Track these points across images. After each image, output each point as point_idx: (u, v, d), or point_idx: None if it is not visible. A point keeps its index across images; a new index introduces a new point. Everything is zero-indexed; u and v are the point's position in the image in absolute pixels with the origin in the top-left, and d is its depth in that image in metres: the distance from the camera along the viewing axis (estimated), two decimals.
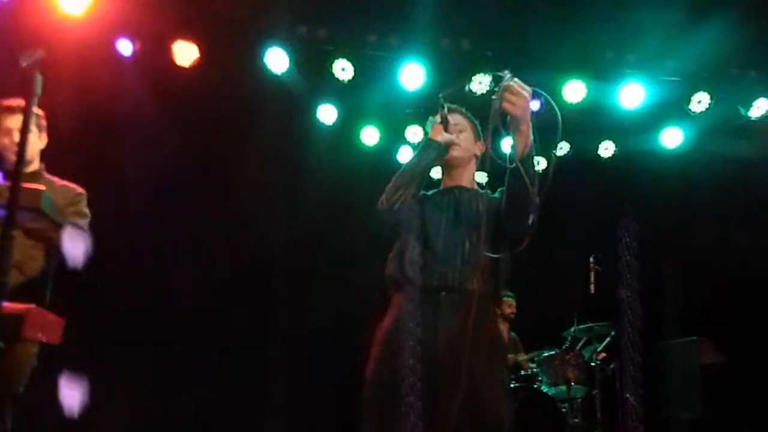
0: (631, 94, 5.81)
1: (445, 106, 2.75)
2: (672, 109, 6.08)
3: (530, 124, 2.41)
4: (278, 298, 6.08)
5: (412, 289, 2.49)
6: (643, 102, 5.85)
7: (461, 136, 2.74)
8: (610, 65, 5.74)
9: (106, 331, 5.03)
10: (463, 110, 2.86)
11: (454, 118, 2.76)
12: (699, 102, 5.84)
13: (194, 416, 5.45)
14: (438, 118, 2.68)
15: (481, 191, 2.76)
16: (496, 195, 2.72)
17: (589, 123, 6.15)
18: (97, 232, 3.20)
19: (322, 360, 6.08)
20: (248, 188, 5.87)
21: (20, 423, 2.92)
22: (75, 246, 2.34)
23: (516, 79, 2.36)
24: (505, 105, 2.33)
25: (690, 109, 5.90)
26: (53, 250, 3.07)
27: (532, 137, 2.44)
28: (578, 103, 5.81)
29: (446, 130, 2.66)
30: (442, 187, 2.79)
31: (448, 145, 2.67)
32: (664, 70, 5.77)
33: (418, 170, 2.63)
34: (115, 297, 5.22)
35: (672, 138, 6.36)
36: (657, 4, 5.10)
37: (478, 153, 2.82)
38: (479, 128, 2.83)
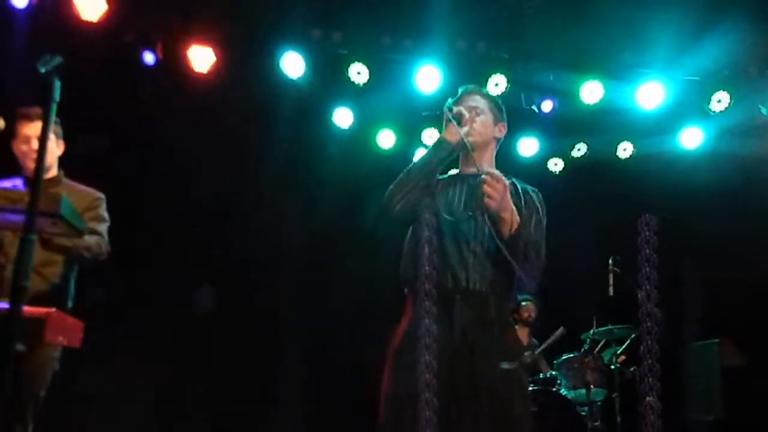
0: (650, 94, 5.75)
1: (462, 93, 2.68)
2: (691, 108, 6.02)
3: (513, 209, 2.36)
4: (292, 300, 6.08)
5: (424, 292, 2.41)
6: (662, 102, 5.79)
7: (479, 119, 2.60)
8: (628, 65, 5.70)
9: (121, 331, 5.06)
10: (484, 90, 2.78)
11: (474, 100, 2.65)
12: (719, 101, 5.77)
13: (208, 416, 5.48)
14: (451, 114, 2.54)
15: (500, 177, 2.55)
16: (527, 188, 2.65)
17: (607, 124, 6.11)
18: (119, 233, 3.24)
19: (333, 365, 6.08)
20: (264, 192, 5.89)
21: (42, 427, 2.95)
22: None
23: (489, 171, 2.35)
24: (487, 201, 2.30)
25: (710, 109, 5.83)
26: (72, 256, 3.10)
27: (516, 216, 2.39)
28: (595, 104, 5.77)
29: (461, 124, 2.51)
30: (457, 171, 2.66)
31: (462, 140, 2.51)
32: (682, 70, 5.71)
33: (427, 170, 2.52)
34: (134, 296, 5.26)
35: (692, 138, 6.28)
36: (675, 2, 5.06)
37: (499, 136, 2.71)
38: (502, 109, 2.74)
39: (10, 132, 2.97)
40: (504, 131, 2.72)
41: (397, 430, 2.30)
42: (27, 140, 3.07)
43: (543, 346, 5.78)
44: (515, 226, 2.36)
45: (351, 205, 6.21)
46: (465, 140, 2.50)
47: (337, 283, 6.17)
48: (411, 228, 2.58)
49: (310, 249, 6.18)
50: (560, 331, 5.50)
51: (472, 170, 2.55)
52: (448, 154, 2.55)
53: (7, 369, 1.66)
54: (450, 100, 2.68)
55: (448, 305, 2.36)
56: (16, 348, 1.68)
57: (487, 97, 2.73)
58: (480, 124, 2.60)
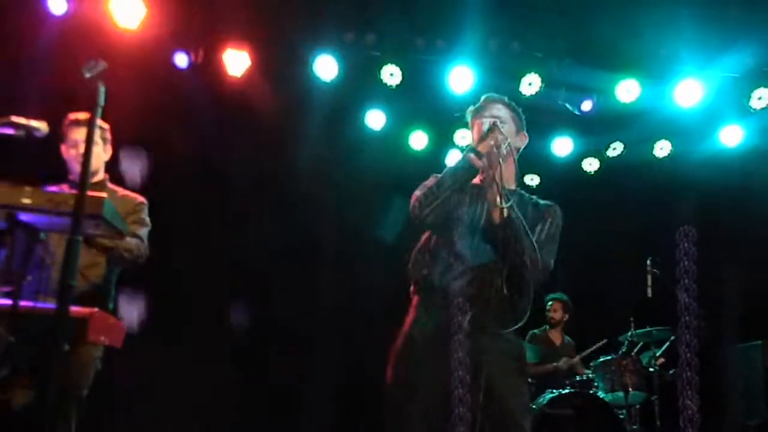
0: (688, 92, 5.66)
1: (484, 101, 2.69)
2: (731, 106, 5.90)
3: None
4: (325, 298, 6.10)
5: (434, 294, 2.50)
6: (701, 100, 5.68)
7: (503, 128, 2.59)
8: (665, 63, 5.61)
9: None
10: (506, 99, 2.76)
11: (497, 109, 2.67)
12: (759, 98, 5.65)
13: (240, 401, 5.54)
14: (485, 126, 2.56)
15: (519, 193, 2.69)
16: (539, 204, 2.69)
17: (644, 122, 6.01)
18: (160, 233, 3.30)
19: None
20: (298, 194, 5.93)
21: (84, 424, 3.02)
22: (131, 310, 2.41)
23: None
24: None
25: (750, 106, 5.71)
26: (114, 257, 3.17)
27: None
28: (632, 103, 5.69)
29: (487, 138, 2.51)
30: (478, 180, 2.64)
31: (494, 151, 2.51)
32: (721, 67, 5.60)
33: (458, 182, 2.52)
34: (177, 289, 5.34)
35: (732, 136, 6.15)
36: None
37: (520, 145, 2.72)
38: (522, 118, 2.75)
39: (56, 137, 3.04)
40: (525, 140, 2.74)
41: (397, 424, 2.38)
42: (75, 145, 3.15)
43: (582, 355, 5.72)
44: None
45: (384, 207, 6.22)
46: (496, 151, 2.50)
47: (369, 283, 6.18)
48: (428, 232, 2.63)
49: (344, 250, 6.20)
50: (602, 342, 5.46)
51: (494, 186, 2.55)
52: (476, 170, 2.55)
53: (54, 367, 1.71)
54: (471, 108, 2.74)
55: (454, 310, 2.41)
56: (64, 345, 1.72)
57: (510, 106, 2.74)
58: (505, 133, 2.58)
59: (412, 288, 2.66)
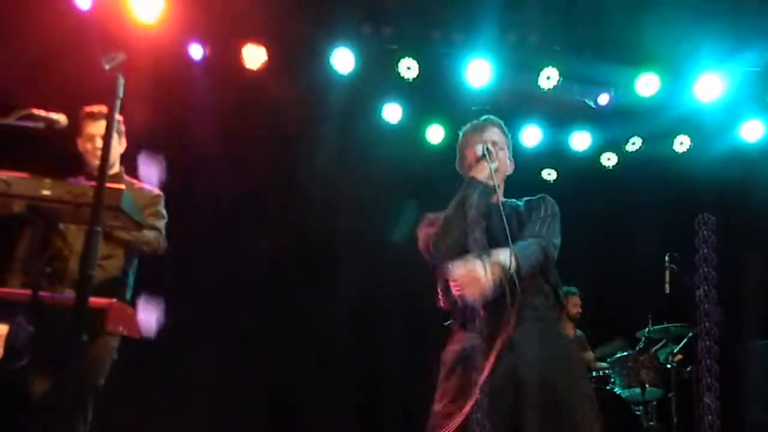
0: (708, 86, 5.59)
1: (483, 124, 2.74)
2: (752, 101, 5.82)
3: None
4: (343, 291, 6.11)
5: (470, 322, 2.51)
6: (721, 94, 5.61)
7: (500, 155, 2.66)
8: (685, 57, 5.54)
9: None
10: (502, 124, 2.78)
11: (495, 134, 2.71)
12: None
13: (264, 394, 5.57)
14: (479, 151, 2.59)
15: (510, 203, 2.71)
16: (529, 200, 2.71)
17: (663, 117, 5.95)
18: (176, 225, 3.32)
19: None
20: (314, 187, 5.94)
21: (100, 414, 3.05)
22: (149, 316, 2.42)
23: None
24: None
25: None
26: (132, 249, 3.20)
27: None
28: (651, 97, 5.63)
29: (489, 160, 2.55)
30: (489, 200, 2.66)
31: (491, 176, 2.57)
32: (742, 61, 5.52)
33: (462, 212, 2.54)
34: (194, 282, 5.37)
35: (753, 131, 6.07)
36: None
37: (510, 172, 2.77)
38: (510, 142, 2.79)
39: (74, 130, 3.06)
40: (512, 167, 2.78)
41: None
42: (91, 138, 3.18)
43: (599, 354, 5.69)
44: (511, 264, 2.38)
45: (401, 201, 6.21)
46: (493, 176, 2.57)
47: (384, 274, 6.18)
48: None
49: (360, 244, 6.20)
50: (620, 341, 5.43)
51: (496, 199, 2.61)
52: (481, 192, 2.56)
53: (75, 357, 1.72)
54: (467, 128, 2.81)
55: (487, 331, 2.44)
56: (83, 336, 1.74)
57: (504, 130, 2.77)
58: (501, 160, 2.66)
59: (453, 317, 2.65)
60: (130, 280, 3.26)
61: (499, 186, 2.63)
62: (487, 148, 2.57)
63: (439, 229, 2.57)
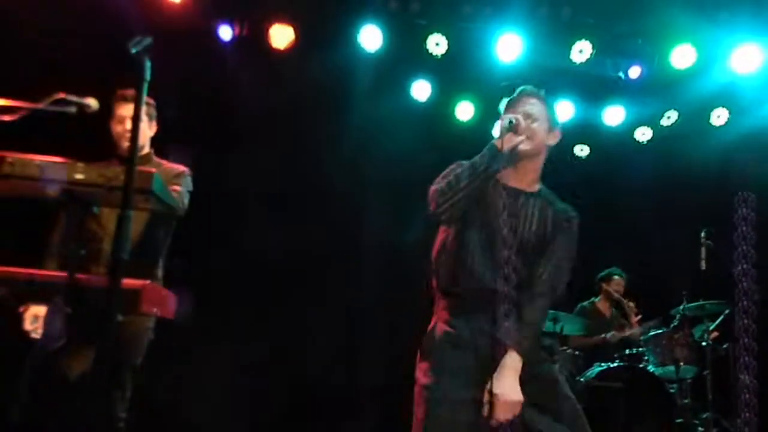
0: (746, 58, 5.43)
1: (520, 94, 2.61)
2: None
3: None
4: (372, 282, 6.12)
5: (459, 297, 2.49)
6: (760, 65, 5.44)
7: (533, 126, 2.53)
8: (722, 27, 5.37)
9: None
10: (542, 93, 2.64)
11: (531, 104, 2.57)
12: None
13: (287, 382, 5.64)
14: (507, 122, 2.46)
15: (542, 199, 2.58)
16: (558, 211, 2.57)
17: (700, 90, 5.80)
18: (201, 207, 3.35)
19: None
20: (342, 166, 5.93)
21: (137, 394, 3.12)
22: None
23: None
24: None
25: None
26: (163, 228, 3.24)
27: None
28: (687, 69, 5.49)
29: (517, 132, 2.46)
30: (503, 182, 2.57)
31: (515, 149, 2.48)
32: None
33: (476, 178, 2.43)
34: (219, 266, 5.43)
35: None
36: None
37: (552, 143, 2.62)
38: (556, 115, 2.64)
39: (106, 113, 3.09)
40: (558, 138, 2.63)
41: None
42: (122, 120, 3.22)
43: (634, 331, 5.62)
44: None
45: (430, 180, 6.17)
46: (517, 150, 2.48)
47: (412, 255, 6.16)
48: (450, 229, 2.55)
49: (387, 220, 6.19)
50: (656, 321, 5.36)
51: (516, 186, 2.57)
52: (499, 162, 2.46)
53: (109, 338, 1.75)
54: (505, 101, 2.66)
55: (479, 313, 2.44)
56: (116, 318, 1.77)
57: (544, 100, 2.62)
58: (535, 131, 2.53)
59: (435, 290, 2.60)
60: (162, 259, 3.30)
61: (524, 159, 2.55)
62: (511, 121, 2.46)
63: (445, 185, 2.47)
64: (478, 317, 2.43)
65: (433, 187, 2.52)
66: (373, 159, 6.10)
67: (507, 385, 2.31)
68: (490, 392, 2.29)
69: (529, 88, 2.64)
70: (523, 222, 2.52)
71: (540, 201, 2.57)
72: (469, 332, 2.43)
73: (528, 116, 2.53)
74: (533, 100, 2.59)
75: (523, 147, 2.50)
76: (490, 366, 2.35)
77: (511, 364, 2.34)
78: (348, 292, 5.96)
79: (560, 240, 2.53)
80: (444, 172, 2.53)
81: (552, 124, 2.60)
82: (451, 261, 2.51)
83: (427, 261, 2.67)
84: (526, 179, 2.59)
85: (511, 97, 2.66)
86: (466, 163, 2.48)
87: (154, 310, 2.23)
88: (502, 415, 2.29)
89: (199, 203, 3.36)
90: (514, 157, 2.52)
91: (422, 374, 2.47)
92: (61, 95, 2.23)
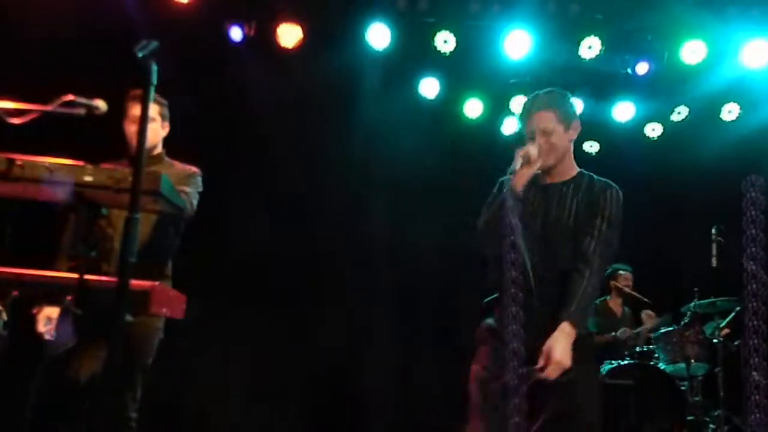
0: (757, 52, 5.38)
1: (529, 110, 2.68)
2: None
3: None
4: (377, 273, 6.13)
5: (508, 296, 2.55)
6: None
7: (552, 140, 2.62)
8: (733, 22, 5.33)
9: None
10: (550, 100, 2.68)
11: (543, 119, 2.62)
12: None
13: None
14: (516, 165, 2.56)
15: (575, 184, 2.68)
16: (594, 186, 2.67)
17: (711, 85, 5.75)
18: (211, 206, 3.35)
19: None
20: (352, 164, 5.94)
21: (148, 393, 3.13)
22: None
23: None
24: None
25: None
26: (172, 228, 3.25)
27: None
28: (698, 64, 5.45)
29: (531, 162, 2.56)
30: (539, 182, 2.70)
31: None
32: None
33: (501, 222, 2.57)
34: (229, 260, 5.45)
35: None
36: None
37: (574, 137, 2.71)
38: (572, 110, 2.71)
39: (116, 114, 3.10)
40: (578, 128, 2.71)
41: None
42: (135, 120, 3.20)
43: (642, 329, 5.60)
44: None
45: (439, 177, 6.17)
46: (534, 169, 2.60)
47: (422, 251, 6.18)
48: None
49: (396, 219, 6.19)
50: (665, 318, 5.34)
51: (549, 181, 2.71)
52: (520, 198, 2.58)
53: (118, 339, 1.76)
54: (520, 108, 2.77)
55: (524, 310, 2.51)
56: (125, 319, 1.78)
57: (556, 105, 2.67)
58: (554, 141, 2.63)
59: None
60: (170, 259, 3.30)
61: (554, 166, 2.68)
62: (526, 155, 2.56)
63: (483, 226, 2.68)
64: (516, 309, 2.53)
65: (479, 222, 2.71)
66: (382, 156, 6.10)
67: (560, 349, 2.40)
68: (544, 352, 2.41)
69: (539, 100, 2.68)
70: (555, 211, 2.63)
71: (572, 186, 2.67)
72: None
73: (543, 133, 2.61)
74: (544, 114, 2.63)
75: (546, 163, 2.62)
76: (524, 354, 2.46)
77: (566, 332, 2.43)
78: (355, 291, 5.98)
79: (601, 215, 2.60)
80: (487, 203, 2.73)
81: (569, 122, 2.67)
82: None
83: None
84: (558, 174, 2.70)
85: (523, 110, 2.72)
86: (489, 209, 2.69)
87: (164, 310, 2.24)
88: (553, 373, 2.40)
89: (207, 202, 3.37)
90: (544, 172, 2.67)
91: (473, 360, 2.72)
92: (70, 97, 2.24)
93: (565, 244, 2.59)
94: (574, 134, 2.69)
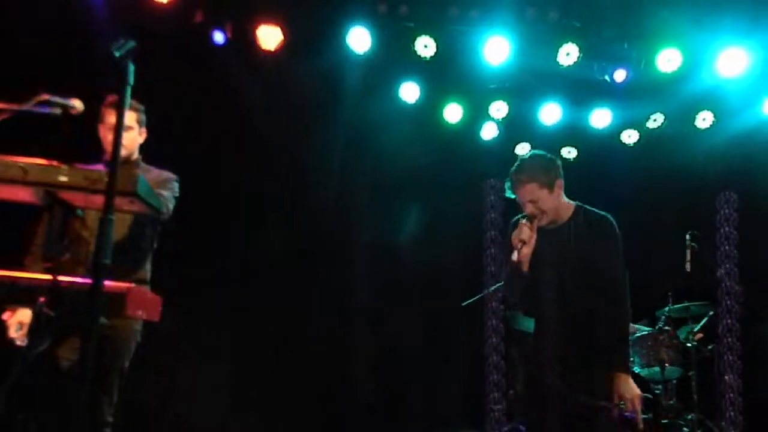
0: (731, 61, 5.47)
1: (512, 185, 3.00)
2: None
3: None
4: (359, 278, 6.13)
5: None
6: (745, 69, 5.48)
7: (539, 205, 2.94)
8: (708, 31, 5.41)
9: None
10: (529, 171, 2.95)
11: (527, 191, 2.92)
12: None
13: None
14: (513, 257, 2.89)
15: (575, 222, 3.04)
16: (593, 221, 3.04)
17: (686, 93, 5.84)
18: (192, 209, 3.33)
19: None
20: (331, 167, 5.94)
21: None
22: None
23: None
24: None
25: None
26: (149, 230, 3.22)
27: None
28: (673, 72, 5.53)
29: (528, 241, 2.90)
30: (543, 228, 3.01)
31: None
32: (766, 35, 5.39)
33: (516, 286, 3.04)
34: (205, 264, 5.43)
35: None
36: None
37: (560, 192, 3.02)
38: (552, 168, 2.98)
39: (94, 116, 3.07)
40: (562, 185, 3.02)
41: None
42: (112, 128, 3.15)
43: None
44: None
45: (418, 181, 6.19)
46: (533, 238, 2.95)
47: (400, 253, 6.20)
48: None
49: (376, 225, 6.21)
50: (641, 322, 5.40)
51: (552, 225, 3.04)
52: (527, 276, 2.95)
53: (91, 341, 1.75)
54: (508, 186, 3.05)
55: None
56: (99, 321, 1.76)
57: (536, 175, 2.95)
58: (541, 209, 2.96)
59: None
60: (149, 261, 3.28)
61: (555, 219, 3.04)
62: (521, 241, 2.90)
63: (506, 291, 3.25)
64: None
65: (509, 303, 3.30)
66: (362, 159, 6.11)
67: (629, 389, 2.83)
68: (622, 398, 2.84)
69: (522, 175, 2.96)
70: (564, 251, 3.00)
71: (573, 225, 3.03)
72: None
73: (531, 202, 2.94)
74: (528, 187, 2.94)
75: (542, 223, 2.96)
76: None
77: (622, 377, 2.87)
78: (338, 292, 5.98)
79: (605, 247, 3.01)
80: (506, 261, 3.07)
81: (552, 185, 2.97)
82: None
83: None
84: (558, 219, 3.05)
85: (510, 180, 3.02)
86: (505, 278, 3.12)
87: (139, 313, 2.23)
88: (638, 405, 2.83)
89: (188, 205, 3.35)
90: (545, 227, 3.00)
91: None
92: (45, 97, 2.22)
93: (577, 276, 2.96)
94: (559, 191, 3.01)
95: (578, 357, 2.93)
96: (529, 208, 2.94)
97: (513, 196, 3.03)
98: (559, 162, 3.05)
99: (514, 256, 2.88)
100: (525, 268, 2.90)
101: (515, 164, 3.01)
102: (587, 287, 2.95)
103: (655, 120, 6.36)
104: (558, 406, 2.90)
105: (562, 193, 3.04)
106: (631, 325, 5.69)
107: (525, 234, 2.89)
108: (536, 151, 3.10)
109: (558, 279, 2.98)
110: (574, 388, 2.87)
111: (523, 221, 2.94)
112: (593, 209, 3.07)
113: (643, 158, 6.43)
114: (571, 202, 3.09)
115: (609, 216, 3.05)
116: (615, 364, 2.89)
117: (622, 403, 2.83)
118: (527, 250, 2.89)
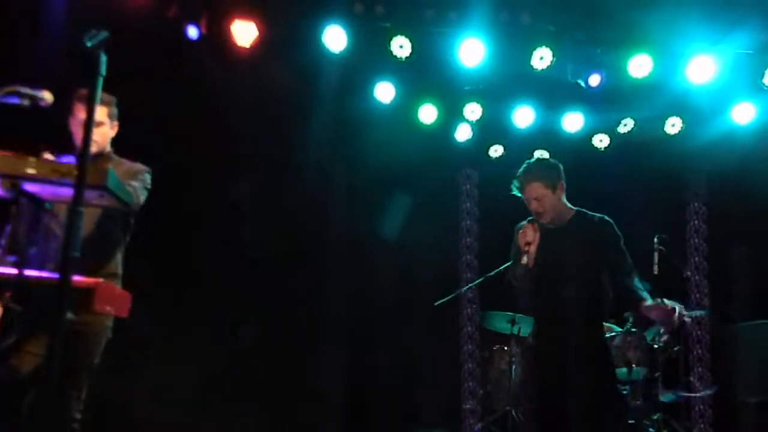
0: (701, 68, 5.56)
1: (520, 185, 3.31)
2: (744, 83, 5.80)
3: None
4: (335, 277, 6.13)
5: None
6: (714, 76, 5.59)
7: (543, 203, 3.21)
8: (678, 38, 5.51)
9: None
10: (539, 172, 3.26)
11: (534, 189, 3.20)
12: None
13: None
14: (523, 260, 3.15)
15: (575, 224, 3.29)
16: (594, 221, 3.32)
17: (656, 99, 5.94)
18: (165, 205, 3.29)
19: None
20: (307, 167, 5.92)
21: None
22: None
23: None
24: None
25: (764, 84, 5.61)
26: (119, 224, 3.18)
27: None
28: (644, 78, 5.61)
29: (534, 242, 3.16)
30: (546, 228, 3.27)
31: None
32: (735, 43, 5.50)
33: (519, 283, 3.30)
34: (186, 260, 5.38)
35: (744, 114, 6.06)
36: None
37: (562, 193, 3.28)
38: (555, 174, 3.27)
39: (59, 106, 3.01)
40: (564, 187, 3.30)
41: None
42: (82, 123, 3.10)
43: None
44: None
45: (392, 180, 6.21)
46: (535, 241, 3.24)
47: (379, 255, 6.20)
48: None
49: (352, 225, 6.21)
50: (611, 322, 5.48)
51: (554, 225, 3.29)
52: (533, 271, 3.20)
53: (59, 336, 1.73)
54: (515, 185, 3.32)
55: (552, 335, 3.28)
56: (66, 316, 1.74)
57: (542, 176, 3.25)
58: (545, 206, 3.23)
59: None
60: (120, 259, 3.24)
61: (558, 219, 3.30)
62: (526, 245, 3.18)
63: (516, 287, 3.33)
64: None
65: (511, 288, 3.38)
66: (337, 159, 6.10)
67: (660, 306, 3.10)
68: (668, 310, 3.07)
69: (530, 174, 3.26)
70: (565, 250, 3.21)
71: (575, 226, 3.28)
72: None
73: (536, 199, 3.22)
74: (534, 185, 3.23)
75: (545, 221, 3.22)
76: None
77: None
78: (313, 292, 5.96)
79: (610, 246, 3.28)
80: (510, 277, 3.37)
81: (555, 186, 3.25)
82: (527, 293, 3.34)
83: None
84: (559, 220, 3.30)
85: (519, 180, 3.30)
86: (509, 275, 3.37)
87: (108, 308, 2.21)
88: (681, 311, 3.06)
89: (161, 202, 3.31)
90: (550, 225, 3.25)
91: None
92: (13, 87, 2.18)
93: (577, 274, 3.19)
94: (561, 192, 3.28)
95: (576, 353, 3.10)
96: (533, 205, 3.22)
97: (519, 195, 3.30)
98: (562, 167, 3.33)
99: (524, 260, 3.13)
100: (531, 265, 3.13)
101: (522, 167, 3.32)
102: (586, 284, 3.20)
103: (625, 125, 6.45)
104: (557, 403, 3.06)
105: (564, 196, 3.31)
106: (605, 324, 5.80)
107: (530, 235, 3.16)
108: (541, 156, 3.50)
109: (558, 276, 3.20)
110: (573, 386, 3.04)
111: (527, 224, 3.22)
112: (591, 213, 3.34)
113: (614, 162, 6.52)
114: (572, 206, 3.35)
115: (608, 219, 3.34)
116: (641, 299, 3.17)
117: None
118: (533, 249, 3.14)
